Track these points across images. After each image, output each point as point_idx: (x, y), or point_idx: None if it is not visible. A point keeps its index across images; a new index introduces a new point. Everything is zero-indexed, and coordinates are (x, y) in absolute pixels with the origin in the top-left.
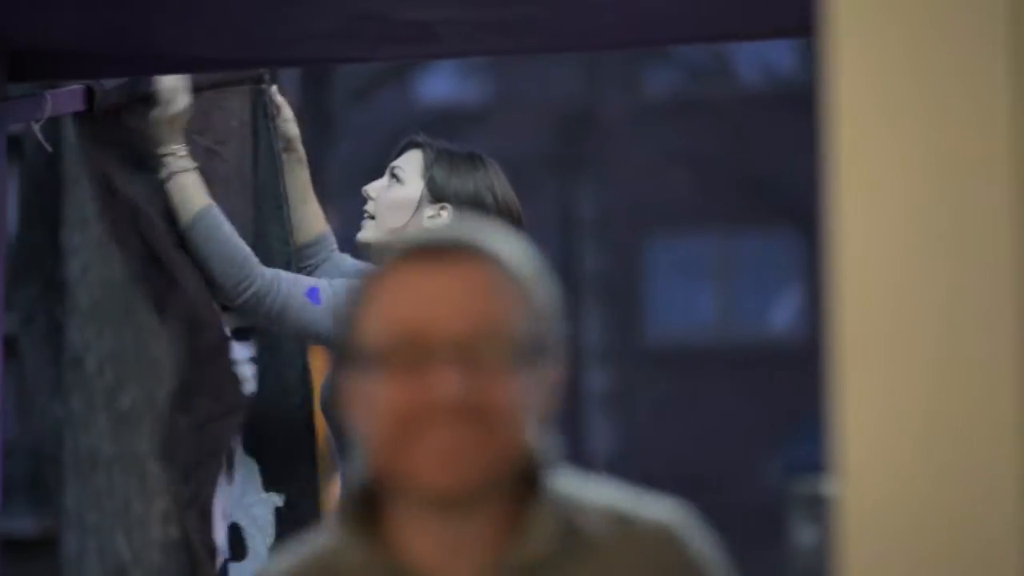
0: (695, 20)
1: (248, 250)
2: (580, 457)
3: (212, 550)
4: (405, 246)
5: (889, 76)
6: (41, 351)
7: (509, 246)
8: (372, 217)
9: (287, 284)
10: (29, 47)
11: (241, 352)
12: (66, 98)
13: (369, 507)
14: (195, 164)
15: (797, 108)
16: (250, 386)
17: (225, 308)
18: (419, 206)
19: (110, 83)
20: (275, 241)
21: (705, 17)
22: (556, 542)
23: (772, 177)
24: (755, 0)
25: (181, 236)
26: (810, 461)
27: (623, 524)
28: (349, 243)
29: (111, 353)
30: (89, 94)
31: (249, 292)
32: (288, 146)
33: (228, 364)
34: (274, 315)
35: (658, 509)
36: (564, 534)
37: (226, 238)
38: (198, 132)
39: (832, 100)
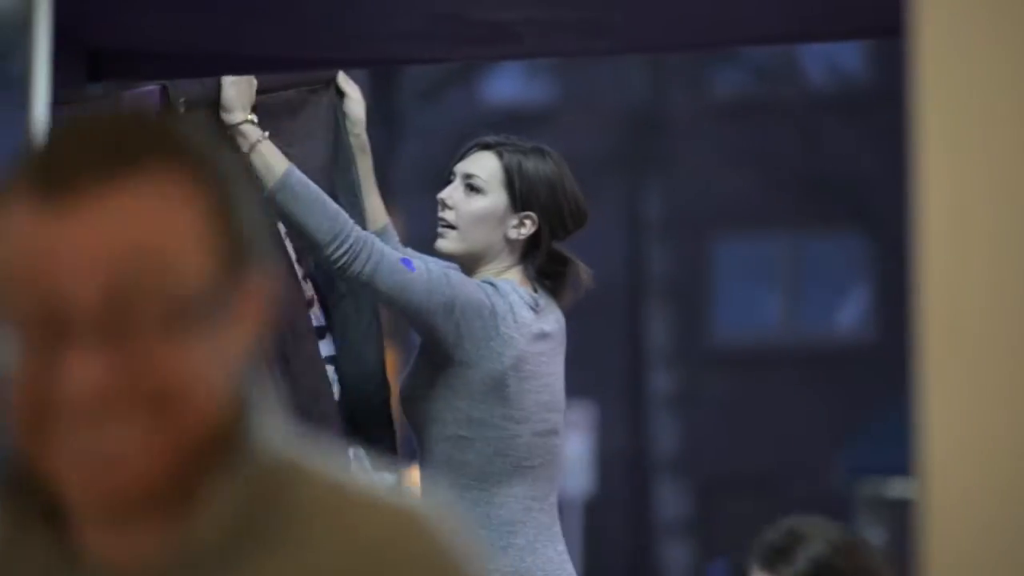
0: (769, 21)
1: (337, 206)
2: (645, 457)
3: None
4: (35, 162)
5: (978, 75)
6: None
7: (185, 140)
8: (452, 227)
9: (380, 245)
10: (108, 48)
11: (323, 350)
12: (142, 98)
13: (39, 492)
14: (266, 133)
15: (864, 109)
16: (336, 387)
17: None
18: (503, 217)
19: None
20: None
21: (777, 18)
22: (240, 524)
23: (839, 178)
24: (830, 1)
25: (268, 202)
26: (875, 463)
27: (346, 506)
28: (415, 243)
29: None
30: (164, 94)
31: (347, 245)
32: (352, 128)
33: (322, 368)
34: (367, 274)
35: (402, 497)
36: (256, 515)
37: (317, 194)
38: (272, 135)
39: (918, 100)
